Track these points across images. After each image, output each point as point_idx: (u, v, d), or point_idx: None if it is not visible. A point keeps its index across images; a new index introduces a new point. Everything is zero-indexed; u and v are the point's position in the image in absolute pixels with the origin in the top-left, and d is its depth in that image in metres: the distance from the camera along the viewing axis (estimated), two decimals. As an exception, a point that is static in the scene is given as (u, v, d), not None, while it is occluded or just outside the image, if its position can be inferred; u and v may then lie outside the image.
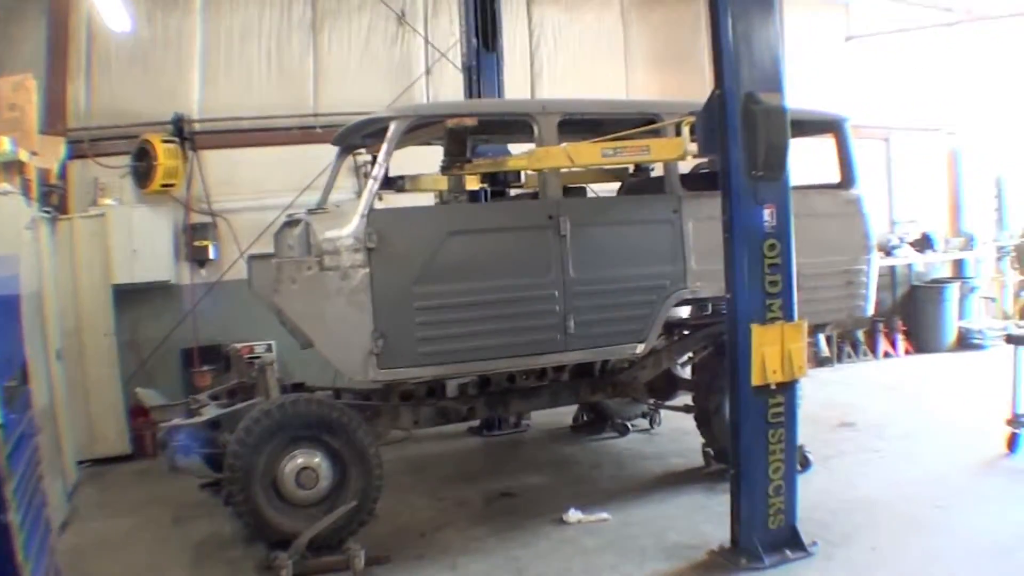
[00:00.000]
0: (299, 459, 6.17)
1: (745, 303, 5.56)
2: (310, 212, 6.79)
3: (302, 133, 10.92)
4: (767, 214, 5.53)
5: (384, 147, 6.32)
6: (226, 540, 6.89)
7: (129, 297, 10.01)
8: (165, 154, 9.89)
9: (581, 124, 7.09)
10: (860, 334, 13.66)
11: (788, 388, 5.61)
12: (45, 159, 8.70)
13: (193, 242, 10.49)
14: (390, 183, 8.07)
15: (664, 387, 8.58)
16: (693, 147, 5.80)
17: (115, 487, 8.74)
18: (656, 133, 6.51)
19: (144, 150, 9.93)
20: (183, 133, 10.33)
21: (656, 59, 13.07)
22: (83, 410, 9.33)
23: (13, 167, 7.29)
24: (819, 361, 13.17)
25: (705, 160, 7.61)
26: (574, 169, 8.31)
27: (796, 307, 5.67)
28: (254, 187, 10.67)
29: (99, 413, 9.52)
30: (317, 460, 6.21)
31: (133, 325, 10.32)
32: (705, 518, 6.66)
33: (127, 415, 9.73)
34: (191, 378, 10.22)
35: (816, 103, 12.07)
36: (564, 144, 6.28)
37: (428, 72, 11.63)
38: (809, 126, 7.78)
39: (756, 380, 5.46)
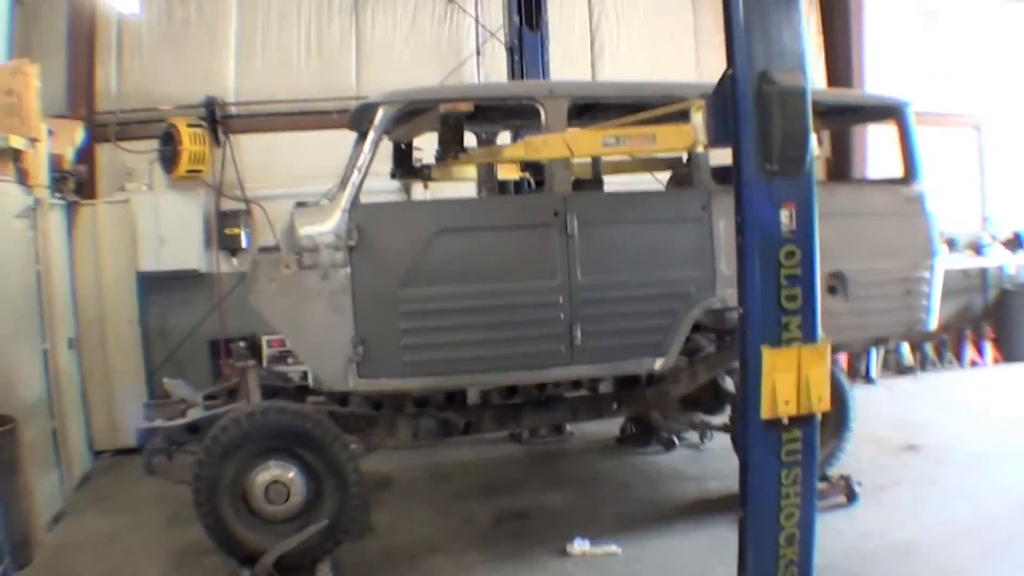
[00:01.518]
0: (271, 472, 5.72)
1: (756, 320, 4.73)
2: (299, 204, 6.31)
3: (342, 117, 10.32)
4: (784, 216, 4.68)
5: (370, 135, 5.82)
6: (210, 547, 6.43)
7: (157, 285, 9.79)
8: (190, 139, 9.53)
9: (599, 109, 6.36)
10: (946, 340, 12.50)
11: (806, 422, 4.78)
12: (59, 144, 8.46)
13: (224, 230, 10.12)
14: (414, 172, 7.54)
15: (710, 400, 7.76)
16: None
17: (126, 480, 8.41)
18: (676, 118, 5.73)
19: (170, 135, 9.59)
20: (215, 117, 9.96)
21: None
22: (105, 399, 9.17)
23: (6, 154, 7.02)
24: (901, 370, 12.15)
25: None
26: (611, 158, 7.65)
27: (819, 325, 4.84)
28: (290, 173, 10.12)
29: (122, 403, 9.24)
30: (291, 475, 5.75)
31: (162, 313, 10.06)
32: (722, 559, 5.84)
33: (151, 405, 9.45)
34: (220, 369, 9.89)
35: (892, 88, 11.33)
36: (563, 132, 5.58)
37: (479, 52, 10.95)
38: (865, 112, 6.93)
39: (765, 412, 4.65)
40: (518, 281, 5.89)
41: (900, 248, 6.73)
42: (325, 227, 5.66)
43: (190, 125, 9.60)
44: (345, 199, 5.74)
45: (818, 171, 11.67)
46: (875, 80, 11.75)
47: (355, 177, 5.80)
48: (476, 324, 5.82)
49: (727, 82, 4.76)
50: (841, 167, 11.65)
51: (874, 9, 12.10)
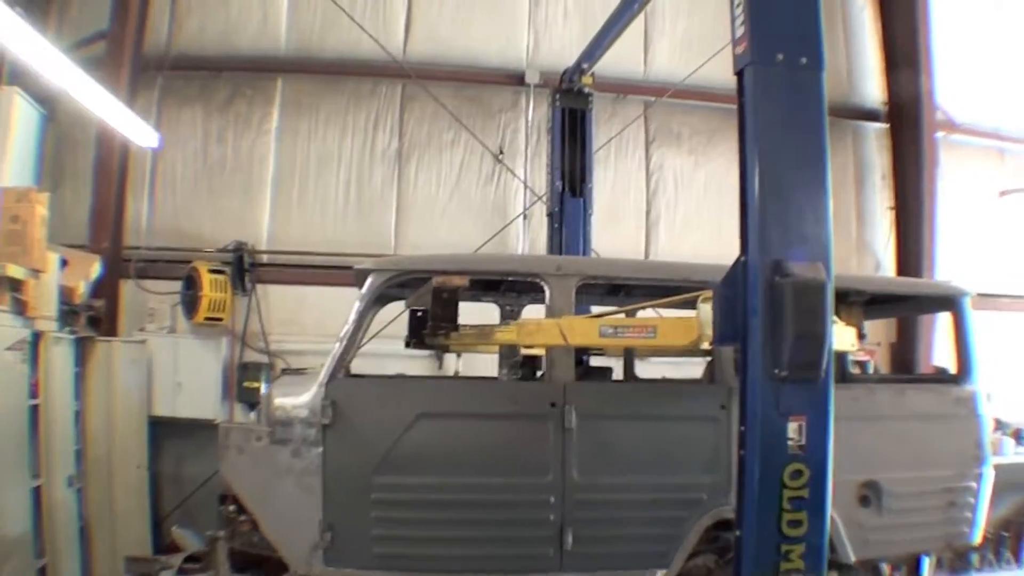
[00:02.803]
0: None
1: (751, 546, 4.01)
2: (284, 371, 5.85)
3: (377, 274, 10.06)
4: (793, 429, 3.99)
5: (357, 304, 5.45)
6: None
7: (172, 430, 9.44)
8: (211, 285, 9.28)
9: (612, 289, 5.79)
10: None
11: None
12: (71, 276, 8.27)
13: (243, 382, 9.67)
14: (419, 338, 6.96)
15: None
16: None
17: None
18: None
19: (192, 278, 9.34)
20: (242, 263, 9.67)
21: (793, 215, 11.49)
22: (108, 541, 8.70)
23: (2, 283, 6.82)
24: (955, 568, 10.80)
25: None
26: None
27: (825, 556, 4.06)
28: (319, 328, 9.52)
29: (123, 547, 8.69)
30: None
31: (177, 459, 9.66)
32: None
33: (154, 552, 8.82)
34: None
35: (964, 267, 10.64)
36: (559, 318, 4.99)
37: (525, 215, 10.58)
38: (918, 302, 6.22)
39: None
40: (505, 476, 5.26)
41: (945, 455, 5.91)
42: (300, 400, 5.23)
43: (212, 270, 9.35)
44: (323, 372, 5.29)
45: (880, 359, 11.07)
46: (948, 263, 11.00)
47: (336, 348, 5.35)
48: (455, 520, 5.21)
49: (737, 270, 4.16)
50: (905, 355, 10.80)
51: (949, 189, 11.45)
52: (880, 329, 10.98)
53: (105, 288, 9.28)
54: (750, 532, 4.00)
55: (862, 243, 11.56)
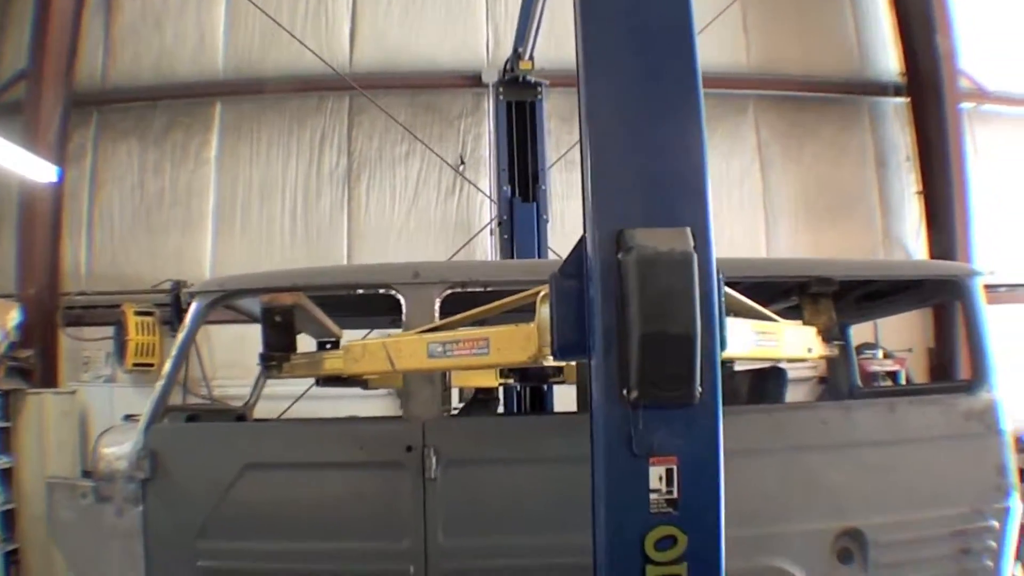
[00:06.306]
0: None
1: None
2: (126, 417, 4.96)
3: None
4: (657, 477, 2.79)
5: (181, 334, 4.62)
6: None
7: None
8: (136, 328, 8.60)
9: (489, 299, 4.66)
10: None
11: None
12: None
13: (186, 433, 8.81)
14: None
15: None
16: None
17: None
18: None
19: (120, 323, 8.55)
20: (179, 303, 8.79)
21: (807, 209, 10.26)
22: None
23: None
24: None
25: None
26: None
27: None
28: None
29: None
30: None
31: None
32: None
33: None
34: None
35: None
36: (385, 339, 3.88)
37: (492, 230, 9.50)
38: (914, 291, 5.01)
39: None
40: (351, 541, 4.16)
41: (954, 487, 4.47)
42: (123, 450, 4.32)
43: (138, 312, 8.69)
44: (145, 415, 4.36)
45: (918, 364, 9.67)
46: (987, 251, 9.61)
47: (157, 388, 4.44)
48: (291, 597, 4.15)
49: (578, 252, 2.98)
50: (946, 360, 9.37)
51: (983, 167, 10.11)
52: (916, 333, 9.77)
53: (38, 337, 8.73)
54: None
55: (888, 234, 10.25)
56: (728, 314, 3.12)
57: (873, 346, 9.25)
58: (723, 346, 2.88)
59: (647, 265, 2.66)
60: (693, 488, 2.76)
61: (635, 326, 2.65)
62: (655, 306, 2.66)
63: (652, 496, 2.75)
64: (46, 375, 8.79)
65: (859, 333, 8.49)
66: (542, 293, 3.18)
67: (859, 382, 6.14)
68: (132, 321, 8.57)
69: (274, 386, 6.54)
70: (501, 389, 6.57)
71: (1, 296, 8.71)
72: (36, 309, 8.73)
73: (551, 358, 3.19)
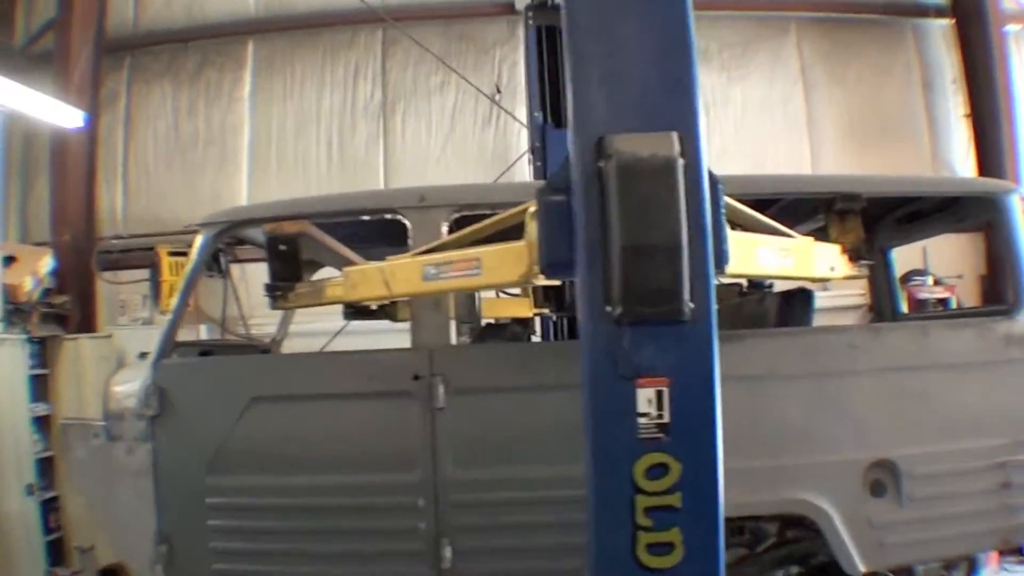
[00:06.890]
0: None
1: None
2: (142, 355, 4.93)
3: (366, 239, 9.13)
4: (645, 399, 2.66)
5: (188, 268, 4.46)
6: None
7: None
8: (170, 269, 8.53)
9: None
10: None
11: None
12: (14, 274, 7.72)
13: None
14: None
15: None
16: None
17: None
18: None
19: (155, 264, 8.60)
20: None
21: (853, 132, 9.91)
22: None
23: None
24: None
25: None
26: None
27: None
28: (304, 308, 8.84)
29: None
30: None
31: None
32: None
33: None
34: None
35: None
36: (383, 262, 3.77)
37: (530, 157, 9.36)
38: (948, 210, 4.77)
39: None
40: (361, 474, 4.08)
41: (992, 417, 4.22)
42: (133, 388, 4.27)
43: (172, 253, 8.59)
44: (154, 352, 4.30)
45: (969, 292, 9.35)
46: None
47: (165, 323, 4.41)
48: (299, 530, 4.10)
49: (565, 163, 2.83)
50: (998, 287, 9.03)
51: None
52: (967, 259, 9.50)
53: (75, 282, 8.72)
54: (595, 565, 2.69)
55: (937, 158, 9.85)
56: (734, 229, 2.98)
57: (922, 272, 8.94)
58: (724, 260, 2.72)
59: (627, 172, 2.48)
60: (685, 412, 2.55)
61: (616, 238, 2.48)
62: (636, 215, 2.48)
63: (641, 420, 2.55)
64: (84, 321, 8.83)
65: (908, 259, 8.27)
66: (531, 209, 3.02)
67: (904, 308, 5.93)
68: (166, 262, 8.54)
69: (312, 323, 6.55)
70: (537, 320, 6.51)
71: (37, 243, 8.77)
72: (72, 255, 8.76)
73: (541, 277, 3.07)
